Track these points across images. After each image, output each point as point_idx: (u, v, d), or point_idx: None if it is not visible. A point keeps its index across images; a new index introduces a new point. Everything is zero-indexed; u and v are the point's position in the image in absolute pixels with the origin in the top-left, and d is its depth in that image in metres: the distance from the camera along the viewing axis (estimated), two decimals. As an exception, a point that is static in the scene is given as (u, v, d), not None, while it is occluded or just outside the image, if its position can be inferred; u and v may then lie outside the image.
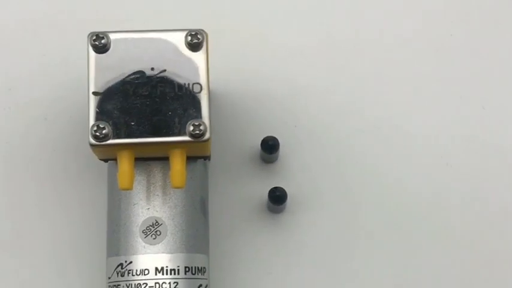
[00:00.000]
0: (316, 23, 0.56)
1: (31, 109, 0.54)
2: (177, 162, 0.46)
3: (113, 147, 0.45)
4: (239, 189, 0.54)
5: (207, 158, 0.50)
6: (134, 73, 0.46)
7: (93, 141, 0.45)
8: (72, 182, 0.53)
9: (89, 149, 0.46)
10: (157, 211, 0.48)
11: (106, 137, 0.45)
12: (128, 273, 0.48)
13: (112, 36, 0.46)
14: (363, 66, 0.56)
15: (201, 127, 0.45)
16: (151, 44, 0.46)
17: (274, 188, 0.52)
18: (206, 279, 0.49)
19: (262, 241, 0.54)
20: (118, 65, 0.46)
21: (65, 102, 0.54)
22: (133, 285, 0.47)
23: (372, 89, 0.56)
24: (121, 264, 0.48)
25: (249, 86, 0.55)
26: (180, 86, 0.46)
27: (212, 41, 0.46)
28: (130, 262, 0.48)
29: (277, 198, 0.52)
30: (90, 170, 0.53)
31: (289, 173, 0.54)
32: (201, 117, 0.45)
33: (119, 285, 0.48)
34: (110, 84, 0.45)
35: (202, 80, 0.46)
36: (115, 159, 0.47)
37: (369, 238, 0.53)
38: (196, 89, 0.46)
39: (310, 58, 0.56)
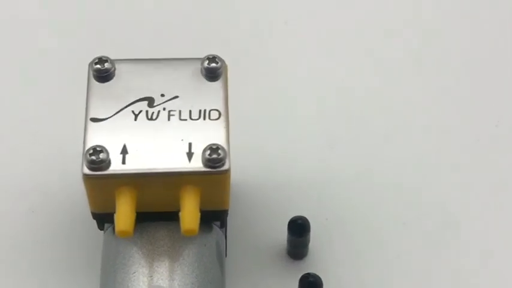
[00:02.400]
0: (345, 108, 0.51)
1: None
2: (189, 202, 0.37)
3: (111, 180, 0.37)
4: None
5: (223, 222, 0.41)
6: (141, 99, 0.39)
7: (87, 170, 0.37)
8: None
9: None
10: (162, 280, 0.39)
11: (103, 163, 0.37)
12: None
13: (117, 63, 0.40)
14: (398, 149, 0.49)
15: (220, 152, 0.37)
16: (162, 72, 0.40)
17: (307, 274, 0.43)
18: None
19: None
20: (122, 92, 0.39)
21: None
22: None
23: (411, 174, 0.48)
24: None
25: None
26: (195, 112, 0.39)
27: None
28: None
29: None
30: (81, 262, 0.44)
31: (321, 269, 0.45)
32: (219, 143, 0.38)
33: None
34: (112, 111, 0.38)
35: (221, 107, 0.39)
36: (112, 215, 0.38)
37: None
38: (213, 116, 0.39)
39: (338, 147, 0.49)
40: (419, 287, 0.45)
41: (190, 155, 0.37)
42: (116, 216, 0.37)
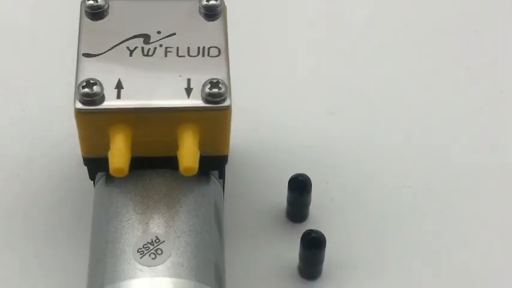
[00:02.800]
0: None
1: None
2: (188, 140, 0.35)
3: (105, 116, 0.35)
4: (265, 254, 0.42)
5: (222, 171, 0.39)
6: (136, 36, 0.37)
7: (80, 105, 0.35)
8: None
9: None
10: (158, 226, 0.36)
11: (97, 96, 0.34)
12: (116, 306, 0.34)
13: (111, 1, 0.38)
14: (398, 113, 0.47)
15: (221, 86, 0.35)
16: (158, 10, 0.38)
17: (309, 230, 0.40)
18: None
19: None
20: (116, 30, 0.37)
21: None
22: (122, 320, 0.34)
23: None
24: (107, 297, 0.35)
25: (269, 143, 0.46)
26: (194, 49, 0.36)
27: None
28: (120, 290, 0.35)
29: (313, 241, 0.40)
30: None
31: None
32: (220, 78, 0.35)
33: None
34: (105, 47, 0.36)
35: (221, 45, 0.37)
36: (105, 161, 0.36)
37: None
38: (213, 53, 0.37)
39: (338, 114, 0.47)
40: (422, 247, 0.43)
41: (189, 90, 0.35)
42: (110, 154, 0.35)
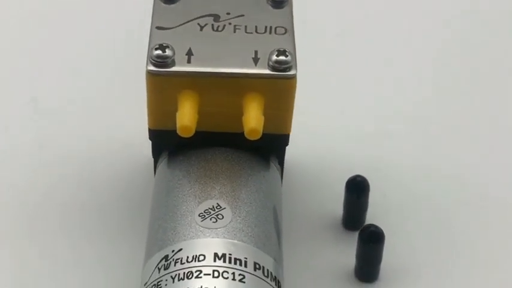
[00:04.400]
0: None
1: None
2: (253, 106, 0.36)
3: (175, 79, 0.36)
4: (320, 258, 0.42)
5: (282, 156, 0.39)
6: (206, 15, 0.38)
7: (151, 67, 0.36)
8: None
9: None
10: (219, 195, 0.36)
11: (168, 59, 0.36)
12: (175, 263, 0.34)
13: None
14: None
15: (287, 54, 0.36)
16: (227, -1, 0.39)
17: (368, 224, 0.40)
18: None
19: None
20: (187, 11, 0.39)
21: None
22: (180, 275, 0.33)
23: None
24: (165, 257, 0.34)
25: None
26: (261, 27, 0.38)
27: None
28: (180, 250, 0.34)
29: (372, 235, 0.39)
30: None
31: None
32: (287, 48, 0.36)
33: (159, 282, 0.34)
34: (177, 23, 0.38)
35: (288, 26, 0.38)
36: (170, 135, 0.36)
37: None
38: (279, 31, 0.38)
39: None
40: (487, 253, 0.42)
41: (256, 60, 0.36)
42: (178, 115, 0.35)
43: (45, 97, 0.48)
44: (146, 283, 0.34)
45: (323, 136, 0.46)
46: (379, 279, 0.41)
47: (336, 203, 0.43)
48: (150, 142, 0.39)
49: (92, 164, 0.44)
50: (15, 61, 0.51)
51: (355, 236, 0.41)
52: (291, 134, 0.39)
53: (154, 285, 0.33)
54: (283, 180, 0.41)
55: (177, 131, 0.35)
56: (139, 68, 0.37)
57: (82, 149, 0.45)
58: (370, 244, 0.39)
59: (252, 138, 0.35)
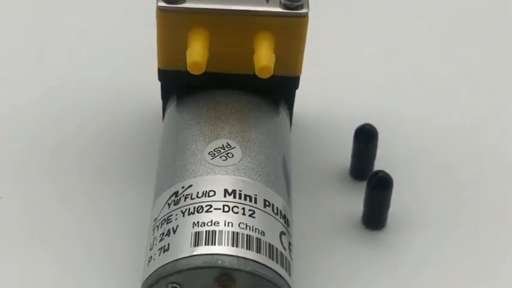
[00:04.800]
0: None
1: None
2: (264, 44, 0.35)
3: (186, 16, 0.36)
4: (328, 207, 0.42)
5: (292, 100, 0.39)
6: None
7: (162, 3, 0.35)
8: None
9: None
10: (229, 134, 0.36)
11: (179, -4, 0.35)
12: (185, 198, 0.34)
13: None
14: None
15: (299, -7, 0.36)
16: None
17: (377, 170, 0.40)
18: (290, 235, 0.35)
19: (357, 260, 0.39)
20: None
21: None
22: (190, 210, 0.33)
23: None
24: (175, 193, 0.34)
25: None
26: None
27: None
28: (190, 186, 0.34)
29: (380, 181, 0.39)
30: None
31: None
32: None
33: (169, 217, 0.34)
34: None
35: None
36: (179, 75, 0.36)
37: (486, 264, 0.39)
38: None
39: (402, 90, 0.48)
40: (495, 205, 0.42)
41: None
42: (188, 52, 0.35)
43: (52, 46, 0.48)
44: (156, 219, 0.34)
45: (332, 88, 0.46)
46: (386, 226, 0.41)
47: (344, 154, 0.43)
48: (159, 88, 0.39)
49: (101, 112, 0.45)
50: (21, 14, 0.51)
51: (362, 186, 0.41)
52: (300, 85, 0.39)
53: (165, 220, 0.33)
54: (292, 128, 0.41)
55: (188, 68, 0.35)
56: (148, 12, 0.37)
57: (92, 97, 0.45)
58: (379, 190, 0.39)
59: (263, 77, 0.35)
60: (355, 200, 0.41)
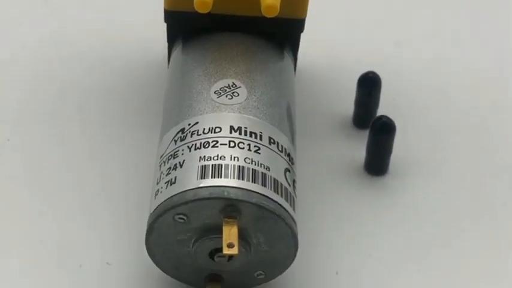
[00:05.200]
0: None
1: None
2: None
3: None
4: (331, 154, 0.42)
5: (297, 44, 0.39)
6: None
7: None
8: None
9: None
10: (235, 75, 0.37)
11: None
12: (192, 134, 0.34)
13: None
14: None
15: None
16: None
17: (380, 115, 0.40)
18: (294, 174, 0.35)
19: (358, 204, 0.40)
20: None
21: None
22: (197, 145, 0.34)
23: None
24: (181, 129, 0.35)
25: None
26: None
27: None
28: (196, 123, 0.35)
29: (384, 126, 0.40)
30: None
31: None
32: None
33: (176, 152, 0.34)
34: None
35: None
36: (185, 17, 0.37)
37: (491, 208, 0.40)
38: None
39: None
40: (495, 155, 0.42)
41: None
42: None
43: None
44: (163, 155, 0.35)
45: (336, 37, 0.47)
46: (388, 172, 0.41)
47: (347, 103, 0.43)
48: (164, 31, 0.39)
49: (106, 56, 0.45)
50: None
51: (365, 134, 0.41)
52: (304, 33, 0.39)
53: (171, 155, 0.34)
54: (296, 77, 0.42)
55: (195, 6, 0.35)
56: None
57: (97, 40, 0.46)
58: (382, 135, 0.40)
59: (269, 15, 0.35)
60: (357, 148, 0.42)
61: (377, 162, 0.41)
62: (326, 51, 0.46)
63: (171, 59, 0.40)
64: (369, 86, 0.42)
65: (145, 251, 0.34)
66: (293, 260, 0.34)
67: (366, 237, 0.38)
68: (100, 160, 0.40)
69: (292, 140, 0.36)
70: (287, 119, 0.37)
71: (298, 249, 0.34)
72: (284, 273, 0.35)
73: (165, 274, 0.35)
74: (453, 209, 0.40)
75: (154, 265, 0.35)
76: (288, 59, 0.39)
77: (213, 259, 0.33)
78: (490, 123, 0.44)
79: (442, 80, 0.45)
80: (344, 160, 0.42)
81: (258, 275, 0.35)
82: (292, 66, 0.40)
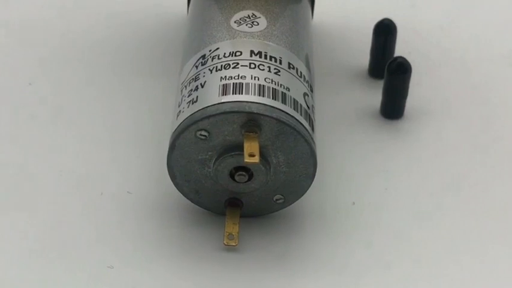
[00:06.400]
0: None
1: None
2: None
3: None
4: (347, 101, 0.43)
5: None
6: None
7: None
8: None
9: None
10: (254, 7, 0.37)
11: None
12: (212, 59, 0.35)
13: None
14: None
15: None
16: None
17: (396, 56, 0.41)
18: (313, 100, 0.36)
19: (375, 145, 0.41)
20: None
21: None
22: (218, 67, 0.34)
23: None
24: (202, 56, 0.35)
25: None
26: None
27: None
28: (217, 48, 0.35)
29: (400, 66, 0.40)
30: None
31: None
32: None
33: (197, 75, 0.35)
34: None
35: None
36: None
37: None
38: None
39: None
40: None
41: None
42: None
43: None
44: (184, 81, 0.35)
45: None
46: (404, 116, 0.42)
47: (363, 55, 0.44)
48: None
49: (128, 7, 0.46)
50: None
51: (380, 84, 0.42)
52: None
53: (193, 79, 0.35)
54: (313, 28, 0.42)
55: None
56: None
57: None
58: (398, 75, 0.40)
59: None
60: (373, 97, 0.42)
61: (393, 105, 0.41)
62: (343, 2, 0.47)
63: (190, 6, 0.40)
64: (384, 33, 0.43)
65: (166, 182, 0.35)
66: (312, 180, 0.34)
67: (382, 174, 0.39)
68: (119, 99, 0.41)
69: (311, 71, 0.37)
70: (305, 51, 0.37)
71: (316, 181, 0.34)
72: (302, 201, 0.36)
73: (184, 205, 0.36)
74: (466, 153, 0.40)
75: (174, 196, 0.36)
76: (305, 2, 0.40)
77: (233, 179, 0.34)
78: (502, 74, 0.44)
79: (456, 32, 0.46)
80: (361, 107, 0.42)
81: (276, 200, 0.35)
82: (310, 9, 0.41)
